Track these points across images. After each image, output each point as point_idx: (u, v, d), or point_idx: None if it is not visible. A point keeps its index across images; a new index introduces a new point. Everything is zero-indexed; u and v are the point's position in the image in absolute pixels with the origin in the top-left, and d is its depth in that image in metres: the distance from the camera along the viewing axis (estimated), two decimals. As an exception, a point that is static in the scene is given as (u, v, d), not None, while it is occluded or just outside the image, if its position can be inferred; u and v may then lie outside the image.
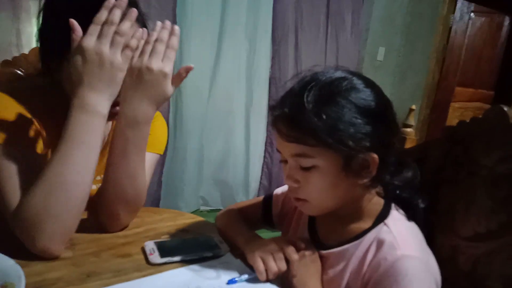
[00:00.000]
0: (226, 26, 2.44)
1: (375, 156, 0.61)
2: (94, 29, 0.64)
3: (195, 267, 0.68)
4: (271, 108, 0.66)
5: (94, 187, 0.80)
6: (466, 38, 3.03)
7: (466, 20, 3.14)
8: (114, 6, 0.65)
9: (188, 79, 2.67)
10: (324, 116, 0.58)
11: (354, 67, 2.84)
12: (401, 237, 0.61)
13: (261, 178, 2.77)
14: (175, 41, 0.71)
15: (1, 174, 0.66)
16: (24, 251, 0.64)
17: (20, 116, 0.70)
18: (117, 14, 0.65)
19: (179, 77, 0.74)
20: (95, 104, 0.65)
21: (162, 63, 0.69)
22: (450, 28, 3.01)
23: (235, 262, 0.70)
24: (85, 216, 0.75)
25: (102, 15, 0.64)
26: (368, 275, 0.61)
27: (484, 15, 3.26)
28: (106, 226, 0.77)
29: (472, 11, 3.20)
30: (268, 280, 0.64)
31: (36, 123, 0.72)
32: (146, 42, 0.69)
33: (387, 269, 0.58)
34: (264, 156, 2.74)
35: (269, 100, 2.66)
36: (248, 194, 2.77)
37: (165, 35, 0.70)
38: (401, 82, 3.03)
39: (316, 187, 0.62)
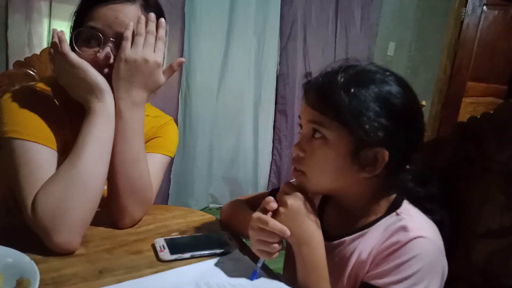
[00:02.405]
0: (234, 23, 2.44)
1: (386, 152, 0.61)
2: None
3: (204, 263, 0.68)
4: (305, 77, 0.70)
5: (105, 188, 0.81)
6: (479, 31, 2.98)
7: (479, 13, 3.08)
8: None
9: (197, 77, 2.66)
10: (351, 94, 0.60)
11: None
12: (414, 222, 0.62)
13: (269, 176, 2.77)
14: (163, 33, 0.77)
15: (21, 171, 0.68)
16: (39, 248, 0.65)
17: (39, 113, 0.73)
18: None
19: (171, 69, 0.79)
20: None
21: (155, 54, 0.75)
22: (462, 21, 2.97)
23: (244, 258, 0.70)
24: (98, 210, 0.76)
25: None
26: (377, 255, 0.61)
27: (497, 8, 3.20)
28: (117, 221, 0.78)
29: (484, 4, 3.15)
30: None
31: (54, 120, 0.75)
32: (139, 34, 0.74)
33: (398, 248, 0.59)
34: (273, 154, 2.74)
35: (276, 97, 2.65)
36: (257, 192, 2.77)
37: (154, 27, 0.75)
38: (412, 77, 3.00)
39: (320, 161, 0.63)
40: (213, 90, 2.50)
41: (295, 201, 0.63)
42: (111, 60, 0.74)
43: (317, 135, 0.63)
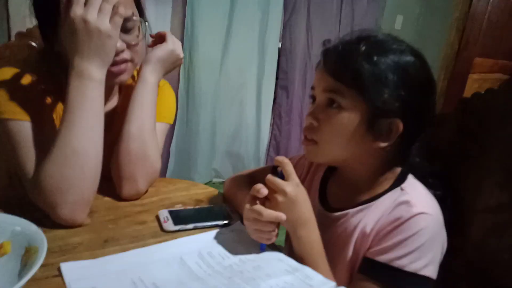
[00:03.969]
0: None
1: (401, 123, 0.61)
2: None
3: (207, 234, 0.70)
4: (323, 43, 0.67)
5: None
6: (490, 5, 2.89)
7: (490, -14, 2.98)
8: None
9: (199, 51, 2.62)
10: (373, 63, 0.60)
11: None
12: (418, 197, 0.63)
13: (268, 150, 2.76)
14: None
15: (18, 150, 0.69)
16: (44, 219, 0.66)
17: (28, 88, 0.72)
18: None
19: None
20: (90, 71, 0.66)
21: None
22: (472, -5, 2.87)
23: (244, 229, 0.72)
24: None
25: None
26: (380, 231, 0.62)
27: (510, -20, 3.08)
28: (123, 192, 0.79)
29: (497, -23, 3.04)
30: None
31: (44, 93, 0.74)
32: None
33: (401, 223, 0.60)
34: (272, 129, 2.72)
35: (278, 72, 2.62)
36: (259, 166, 2.79)
37: None
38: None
39: (334, 129, 0.63)
40: (216, 63, 2.47)
41: (293, 189, 0.60)
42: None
43: (334, 104, 0.63)
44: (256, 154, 2.80)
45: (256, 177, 0.86)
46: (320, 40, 2.57)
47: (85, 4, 0.64)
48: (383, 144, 0.63)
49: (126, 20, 0.71)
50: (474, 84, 2.80)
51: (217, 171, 2.74)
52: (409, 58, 0.62)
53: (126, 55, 0.75)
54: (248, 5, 2.44)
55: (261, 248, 0.65)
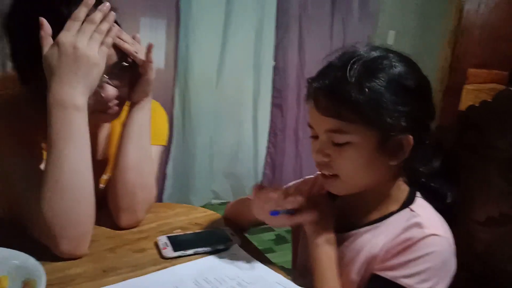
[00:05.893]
0: (231, 15, 2.41)
1: (411, 137, 0.61)
2: (72, 24, 0.64)
3: (204, 260, 0.69)
4: (308, 82, 0.65)
5: (103, 186, 0.82)
6: (480, 16, 2.94)
7: (479, -2, 3.04)
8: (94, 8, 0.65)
9: (195, 71, 2.63)
10: (366, 91, 0.58)
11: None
12: (428, 219, 0.62)
13: (264, 169, 2.72)
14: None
15: (16, 187, 0.69)
16: (42, 250, 0.65)
17: (22, 128, 0.71)
18: (98, 16, 0.65)
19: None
20: (70, 98, 0.64)
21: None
22: (462, 7, 2.93)
23: (242, 252, 0.71)
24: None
25: (81, 12, 0.64)
26: (389, 250, 0.61)
27: (498, -8, 3.15)
28: (120, 221, 0.77)
29: (485, -11, 3.10)
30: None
31: (31, 128, 0.72)
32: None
33: (412, 243, 0.59)
34: (268, 147, 2.70)
35: (273, 90, 2.64)
36: (258, 186, 2.76)
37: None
38: (413, 66, 2.97)
39: (350, 162, 0.62)
40: (211, 84, 2.48)
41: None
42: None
43: (338, 140, 0.61)
44: (255, 173, 2.78)
45: None
46: (312, 57, 2.60)
47: (78, 31, 0.64)
48: (398, 161, 0.62)
49: (114, 65, 0.71)
50: (470, 94, 2.81)
51: (216, 192, 2.72)
52: (398, 69, 0.61)
53: (118, 98, 0.74)
54: (241, 26, 2.47)
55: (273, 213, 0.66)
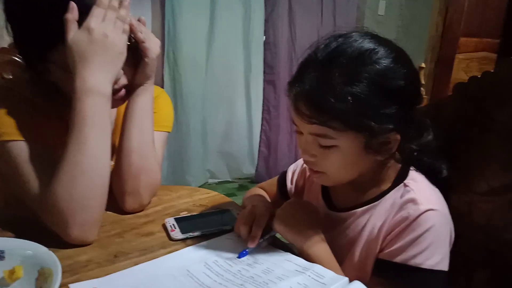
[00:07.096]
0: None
1: (397, 135, 0.60)
2: (99, 11, 0.64)
3: (212, 241, 0.69)
4: (289, 83, 0.63)
5: None
6: (469, -16, 2.91)
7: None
8: None
9: (183, 51, 2.58)
10: (350, 99, 0.56)
11: (354, 25, 2.75)
12: (422, 194, 0.63)
13: (259, 146, 2.72)
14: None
15: (20, 171, 0.67)
16: (51, 238, 0.65)
17: (22, 109, 0.71)
18: (117, 1, 0.66)
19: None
20: (98, 85, 0.65)
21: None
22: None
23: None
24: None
25: None
26: (389, 231, 0.63)
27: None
28: (125, 206, 0.78)
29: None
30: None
31: (37, 111, 0.73)
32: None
33: (410, 222, 0.60)
34: (262, 124, 2.69)
35: (264, 67, 2.60)
36: (254, 164, 2.78)
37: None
38: (404, 36, 2.95)
39: (336, 163, 0.62)
40: (201, 62, 2.44)
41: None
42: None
43: (324, 143, 0.60)
44: (250, 151, 2.79)
45: (267, 190, 0.88)
46: (303, 31, 2.55)
47: (103, 19, 0.65)
48: (385, 156, 0.63)
49: None
50: (461, 63, 2.82)
51: (212, 172, 2.73)
52: (384, 66, 0.58)
53: (123, 81, 0.74)
54: (229, 1, 2.41)
55: (241, 255, 0.64)
